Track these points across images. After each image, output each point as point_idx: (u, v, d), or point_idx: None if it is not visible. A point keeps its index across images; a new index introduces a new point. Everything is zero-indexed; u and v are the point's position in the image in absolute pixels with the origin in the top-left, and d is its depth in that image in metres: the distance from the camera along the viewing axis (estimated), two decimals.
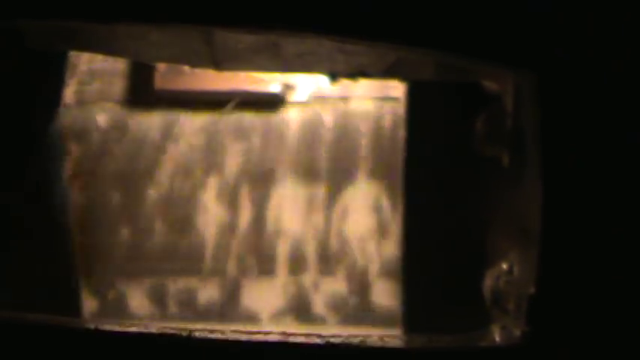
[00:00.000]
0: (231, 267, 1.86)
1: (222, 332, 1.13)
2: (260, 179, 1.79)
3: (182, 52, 1.50)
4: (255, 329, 1.41)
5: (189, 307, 1.84)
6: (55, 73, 1.69)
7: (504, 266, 1.39)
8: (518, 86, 1.32)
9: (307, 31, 1.22)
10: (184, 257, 1.84)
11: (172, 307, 1.84)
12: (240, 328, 1.43)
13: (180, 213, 1.78)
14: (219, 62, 1.50)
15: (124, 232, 1.80)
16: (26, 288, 1.61)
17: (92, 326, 1.11)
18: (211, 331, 1.13)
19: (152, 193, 1.78)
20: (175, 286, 1.84)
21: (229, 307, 1.84)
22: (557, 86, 1.24)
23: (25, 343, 1.17)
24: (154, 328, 1.13)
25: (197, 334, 1.12)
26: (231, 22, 1.21)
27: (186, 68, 1.73)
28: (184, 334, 1.11)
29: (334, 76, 1.49)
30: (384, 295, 1.78)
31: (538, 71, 1.23)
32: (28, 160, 1.74)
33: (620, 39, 1.24)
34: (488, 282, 1.42)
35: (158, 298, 1.83)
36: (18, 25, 1.32)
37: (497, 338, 1.27)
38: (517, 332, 1.24)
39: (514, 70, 1.26)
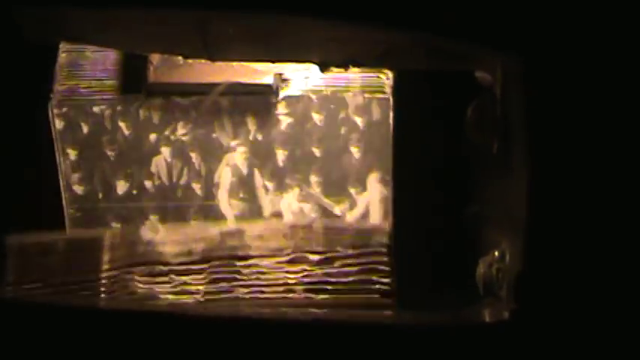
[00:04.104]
0: None
1: (216, 310, 1.14)
2: None
3: (175, 43, 1.51)
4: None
5: None
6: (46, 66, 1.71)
7: (496, 254, 1.40)
8: (506, 72, 1.32)
9: (304, 15, 1.22)
10: None
11: None
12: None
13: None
14: (213, 53, 1.51)
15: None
16: None
17: (85, 304, 1.12)
18: (204, 309, 1.13)
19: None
20: None
21: None
22: (545, 72, 1.25)
23: (24, 321, 1.17)
24: (147, 306, 1.14)
25: (190, 312, 1.13)
26: (224, 6, 1.22)
27: (180, 61, 1.74)
28: (178, 312, 1.12)
29: (325, 66, 1.50)
30: None
31: (525, 56, 1.24)
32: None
33: (610, 22, 1.25)
34: (481, 270, 1.43)
35: None
36: (15, 15, 1.33)
37: (487, 316, 1.28)
38: (506, 311, 1.25)
39: (500, 53, 1.27)
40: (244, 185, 1.76)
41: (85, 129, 1.78)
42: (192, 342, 1.13)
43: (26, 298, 1.43)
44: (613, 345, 1.22)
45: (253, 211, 1.75)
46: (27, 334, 1.14)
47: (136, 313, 1.17)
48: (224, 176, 1.77)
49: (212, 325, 1.13)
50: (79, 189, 1.79)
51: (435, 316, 1.26)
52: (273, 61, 1.61)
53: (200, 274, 1.55)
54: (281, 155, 1.76)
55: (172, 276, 1.56)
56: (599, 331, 1.21)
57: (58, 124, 1.78)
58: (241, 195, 1.77)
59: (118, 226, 1.74)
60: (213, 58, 1.55)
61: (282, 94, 1.76)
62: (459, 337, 1.20)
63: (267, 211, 1.75)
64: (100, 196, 1.79)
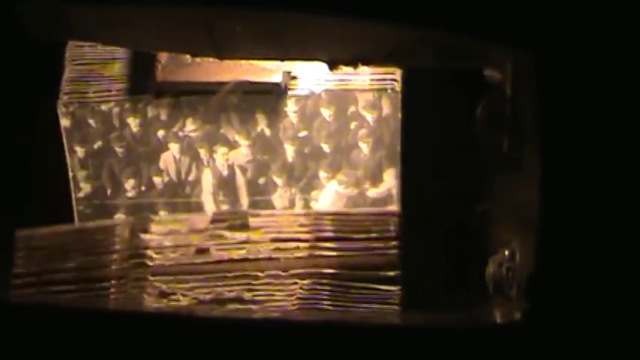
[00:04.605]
0: None
1: (223, 312, 1.13)
2: None
3: (183, 41, 1.51)
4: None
5: None
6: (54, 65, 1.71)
7: (506, 252, 1.40)
8: (516, 70, 1.32)
9: (307, 12, 1.22)
10: None
11: None
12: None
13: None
14: (221, 50, 1.50)
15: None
16: None
17: (89, 307, 1.11)
18: (211, 310, 1.13)
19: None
20: None
21: None
22: (555, 70, 1.24)
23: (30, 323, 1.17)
24: (153, 308, 1.14)
25: (198, 313, 1.12)
26: (231, 3, 1.22)
27: (188, 59, 1.74)
28: (184, 313, 1.11)
29: (334, 64, 1.49)
30: None
31: (536, 53, 1.23)
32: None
33: (621, 20, 1.24)
34: (490, 269, 1.42)
35: None
36: (19, 13, 1.33)
37: (498, 317, 1.27)
38: (517, 311, 1.24)
39: (511, 50, 1.26)
40: (254, 182, 1.77)
41: (93, 126, 1.79)
42: (200, 344, 1.12)
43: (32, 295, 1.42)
44: (627, 346, 1.21)
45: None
46: (33, 336, 1.14)
47: (143, 315, 1.17)
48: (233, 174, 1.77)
49: (220, 327, 1.13)
50: (87, 186, 1.80)
51: (445, 317, 1.25)
52: (281, 60, 1.60)
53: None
54: (290, 152, 1.76)
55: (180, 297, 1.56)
56: (612, 332, 1.20)
57: (66, 121, 1.78)
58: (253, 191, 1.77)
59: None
60: (221, 57, 1.54)
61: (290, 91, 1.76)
62: (470, 338, 1.19)
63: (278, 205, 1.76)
64: (109, 192, 1.79)
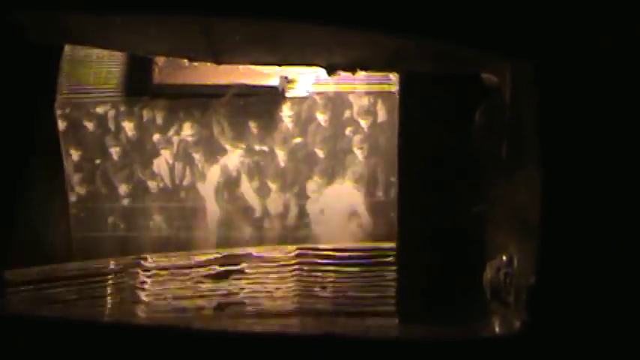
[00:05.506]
0: None
1: (221, 324, 1.13)
2: None
3: (180, 45, 1.50)
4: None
5: None
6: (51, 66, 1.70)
7: (504, 258, 1.39)
8: (516, 76, 1.31)
9: (304, 21, 1.21)
10: None
11: None
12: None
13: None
14: (218, 55, 1.50)
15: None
16: None
17: (87, 319, 1.11)
18: (209, 324, 1.12)
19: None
20: None
21: None
22: (555, 76, 1.24)
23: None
24: (151, 320, 1.13)
25: (195, 326, 1.11)
26: (229, 12, 1.21)
27: (185, 62, 1.74)
28: (182, 326, 1.11)
29: (332, 69, 1.49)
30: None
31: (535, 60, 1.23)
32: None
33: (618, 25, 1.24)
34: (488, 274, 1.42)
35: None
36: (16, 18, 1.32)
37: (497, 329, 1.27)
38: (517, 323, 1.23)
39: (511, 59, 1.26)
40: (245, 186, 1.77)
41: (89, 129, 1.79)
42: (198, 357, 1.11)
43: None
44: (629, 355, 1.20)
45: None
46: (27, 348, 1.13)
47: (140, 327, 1.16)
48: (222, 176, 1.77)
49: (218, 340, 1.12)
50: (82, 189, 1.79)
51: (444, 329, 1.25)
52: (280, 65, 1.60)
53: None
54: (284, 156, 1.76)
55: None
56: (614, 341, 1.20)
57: (61, 124, 1.78)
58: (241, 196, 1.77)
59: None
60: (218, 61, 1.54)
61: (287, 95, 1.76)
62: (470, 350, 1.19)
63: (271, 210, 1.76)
64: (104, 196, 1.79)
